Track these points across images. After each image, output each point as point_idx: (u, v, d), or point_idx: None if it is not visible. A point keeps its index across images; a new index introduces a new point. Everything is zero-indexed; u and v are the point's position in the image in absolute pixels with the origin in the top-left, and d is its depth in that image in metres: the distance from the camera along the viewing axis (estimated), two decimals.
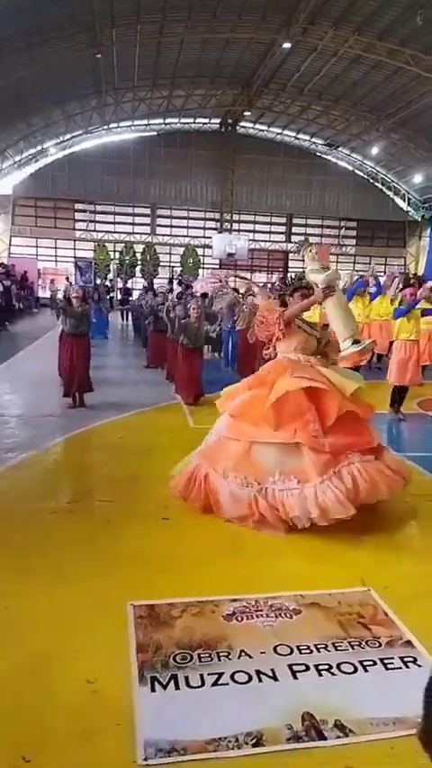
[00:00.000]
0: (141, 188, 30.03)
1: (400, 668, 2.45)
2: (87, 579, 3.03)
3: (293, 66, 22.65)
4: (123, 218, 30.99)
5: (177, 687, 2.28)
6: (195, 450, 4.17)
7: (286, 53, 20.95)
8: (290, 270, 32.89)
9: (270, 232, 32.56)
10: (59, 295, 8.80)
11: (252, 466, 3.72)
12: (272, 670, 2.40)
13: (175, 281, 28.57)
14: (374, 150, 27.99)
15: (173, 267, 30.73)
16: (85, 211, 30.49)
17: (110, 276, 28.49)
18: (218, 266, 31.70)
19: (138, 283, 28.54)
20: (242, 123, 29.59)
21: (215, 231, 31.03)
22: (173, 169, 30.06)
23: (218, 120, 29.37)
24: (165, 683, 2.29)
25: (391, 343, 7.76)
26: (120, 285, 27.13)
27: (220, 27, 19.24)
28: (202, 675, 2.34)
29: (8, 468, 4.76)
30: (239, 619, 2.75)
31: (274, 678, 2.36)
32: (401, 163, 29.15)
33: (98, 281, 25.72)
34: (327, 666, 2.44)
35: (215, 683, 2.31)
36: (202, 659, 2.45)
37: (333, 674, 2.41)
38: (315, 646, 2.56)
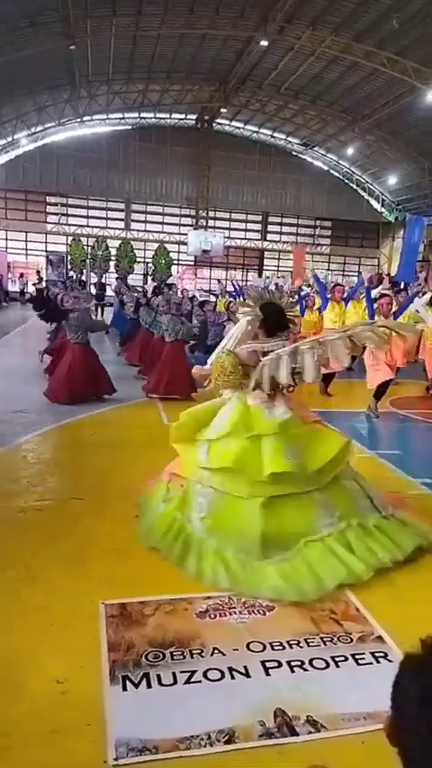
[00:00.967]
0: (115, 182, 29.77)
1: (371, 663, 2.47)
2: (57, 578, 2.98)
3: (270, 65, 22.73)
4: (97, 212, 30.70)
5: (149, 686, 2.26)
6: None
7: (263, 51, 21.00)
8: (265, 268, 33.08)
9: (246, 230, 32.66)
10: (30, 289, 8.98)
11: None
12: (244, 667, 2.40)
13: (149, 278, 28.46)
14: (350, 151, 28.29)
15: (147, 263, 30.57)
16: (57, 204, 30.09)
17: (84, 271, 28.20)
18: (193, 263, 31.68)
19: (111, 278, 28.33)
20: (218, 120, 29.58)
21: (191, 228, 30.96)
22: (148, 164, 29.86)
23: (194, 117, 29.30)
24: (136, 682, 2.27)
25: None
26: (93, 280, 26.86)
27: (197, 22, 19.17)
28: (174, 673, 2.33)
29: None
30: (212, 616, 2.74)
31: (247, 675, 2.36)
32: (376, 164, 29.54)
33: (72, 275, 25.38)
34: (299, 663, 2.45)
35: (187, 681, 2.29)
36: (175, 657, 2.43)
37: (305, 669, 2.42)
38: (287, 642, 2.57)
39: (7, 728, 2.00)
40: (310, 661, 2.47)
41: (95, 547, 3.35)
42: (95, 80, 23.73)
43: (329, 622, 2.73)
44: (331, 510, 3.28)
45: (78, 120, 27.19)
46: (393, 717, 0.86)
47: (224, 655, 2.47)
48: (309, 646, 2.56)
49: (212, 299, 16.31)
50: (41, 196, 29.72)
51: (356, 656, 2.49)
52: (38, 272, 28.26)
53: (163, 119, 29.28)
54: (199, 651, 2.48)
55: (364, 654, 2.52)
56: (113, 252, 29.69)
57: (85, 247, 29.46)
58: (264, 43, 19.91)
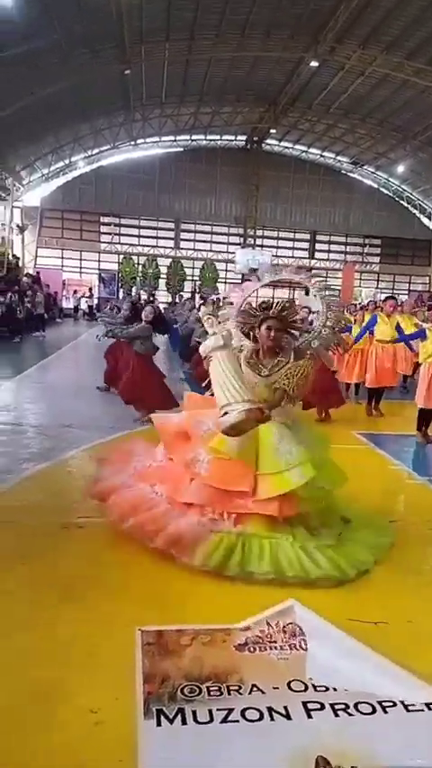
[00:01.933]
0: (166, 202, 30.39)
1: (422, 710, 2.29)
2: (95, 600, 2.93)
3: (320, 85, 22.80)
4: (148, 231, 31.37)
5: (184, 722, 2.15)
6: None
7: (313, 71, 21.10)
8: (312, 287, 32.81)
9: (293, 248, 32.61)
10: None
11: None
12: (285, 707, 2.26)
13: (197, 295, 28.71)
14: (400, 168, 27.94)
15: (195, 281, 30.92)
16: (110, 224, 30.92)
17: (134, 289, 28.76)
18: (240, 281, 31.84)
19: (161, 296, 28.75)
20: (268, 141, 29.81)
21: (238, 246, 31.16)
22: (198, 185, 30.38)
23: (244, 138, 29.66)
24: (171, 717, 2.17)
25: (418, 364, 7.69)
26: (144, 297, 27.33)
27: (249, 45, 19.47)
28: (210, 711, 2.21)
29: (21, 480, 4.71)
30: (252, 650, 2.62)
31: (288, 717, 2.22)
32: (428, 181, 29.05)
33: (121, 295, 25.96)
34: (343, 706, 2.30)
35: (224, 720, 2.17)
36: (212, 693, 2.32)
37: (350, 714, 2.26)
38: (331, 682, 2.42)
39: (38, 760, 1.94)
40: (356, 705, 2.31)
41: (134, 569, 3.29)
42: (149, 103, 24.39)
43: None
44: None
45: (132, 142, 27.99)
46: None
47: (263, 693, 2.34)
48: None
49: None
50: (96, 216, 30.64)
51: (406, 702, 2.32)
52: (90, 289, 29.01)
53: (213, 140, 29.78)
54: (237, 688, 2.36)
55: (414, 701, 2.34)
56: (163, 270, 30.20)
57: (136, 265, 30.10)
58: (314, 64, 20.01)
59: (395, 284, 33.46)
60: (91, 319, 23.62)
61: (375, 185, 31.73)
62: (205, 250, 31.77)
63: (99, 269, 31.12)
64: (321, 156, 30.72)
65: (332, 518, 3.64)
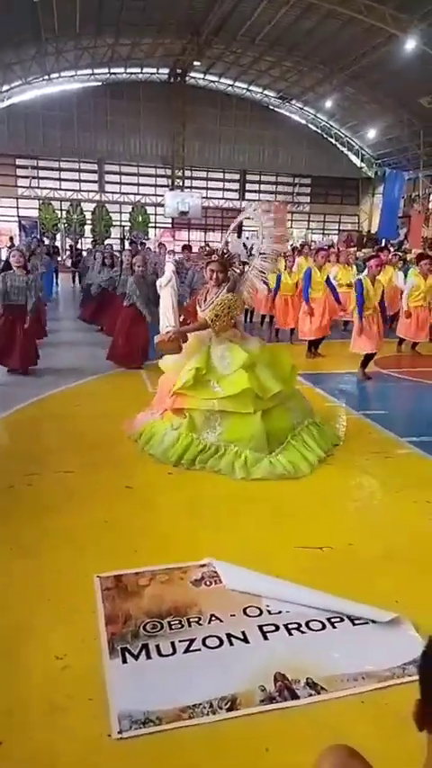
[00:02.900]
0: (87, 142, 28.78)
1: (367, 623, 2.50)
2: (51, 553, 2.96)
3: (245, 14, 21.81)
4: (69, 174, 29.76)
5: (149, 657, 2.26)
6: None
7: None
8: (244, 228, 32.56)
9: (224, 189, 31.99)
10: None
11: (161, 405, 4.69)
12: (242, 632, 2.41)
13: (126, 242, 27.85)
14: (328, 104, 27.58)
15: (123, 226, 29.89)
16: (27, 167, 29.08)
17: (58, 236, 27.47)
18: (170, 225, 31.06)
19: (87, 244, 27.69)
20: (192, 74, 28.54)
21: (166, 188, 30.21)
22: (120, 122, 28.89)
23: (166, 71, 28.23)
24: (136, 654, 2.27)
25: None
26: (68, 245, 26.24)
27: None
28: (173, 643, 2.33)
29: None
30: (208, 583, 2.75)
31: (245, 640, 2.37)
32: (355, 117, 28.91)
33: (45, 240, 24.76)
34: (296, 625, 2.47)
35: (187, 650, 2.30)
36: (173, 626, 2.44)
37: (302, 632, 2.44)
38: (283, 605, 2.58)
39: (9, 706, 1.99)
40: (307, 623, 2.49)
41: (87, 519, 3.33)
42: (62, 35, 22.62)
43: None
44: (296, 413, 4.56)
45: (46, 77, 26.03)
46: (421, 701, 0.83)
47: (221, 621, 2.48)
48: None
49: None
50: (11, 159, 28.66)
51: (352, 617, 2.52)
52: (11, 238, 27.52)
53: (134, 74, 28.20)
54: (196, 619, 2.49)
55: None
56: (88, 216, 28.94)
57: (58, 211, 28.68)
58: None
59: (325, 224, 33.66)
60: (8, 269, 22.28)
61: (303, 122, 31.27)
62: (132, 193, 30.59)
63: (18, 216, 29.42)
64: (248, 90, 29.79)
65: (248, 430, 4.25)
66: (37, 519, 3.32)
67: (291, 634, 2.43)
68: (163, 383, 4.71)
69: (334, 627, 2.48)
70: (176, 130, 29.24)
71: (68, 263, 22.22)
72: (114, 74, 27.88)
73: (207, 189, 31.44)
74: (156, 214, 30.55)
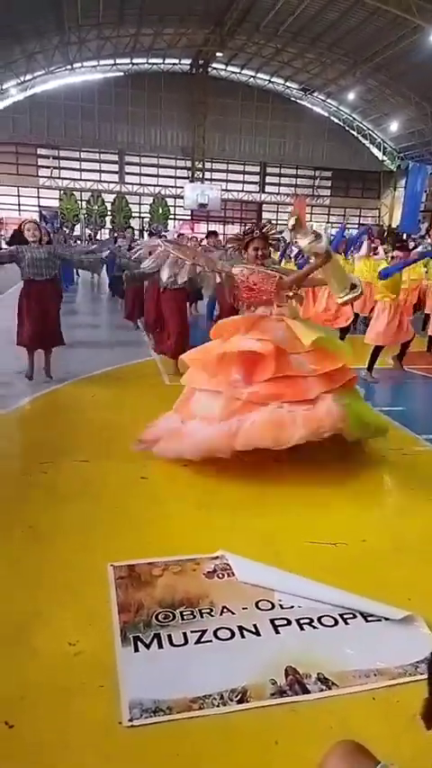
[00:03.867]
0: (108, 133, 28.84)
1: (379, 620, 2.48)
2: (65, 541, 2.98)
3: (268, 4, 21.67)
4: (90, 164, 29.85)
5: (161, 646, 2.27)
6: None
7: None
8: (263, 221, 32.37)
9: (243, 182, 31.83)
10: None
11: (186, 409, 4.04)
12: (254, 625, 2.41)
13: (146, 233, 27.87)
14: (350, 96, 27.28)
15: (143, 218, 29.90)
16: (48, 157, 29.22)
17: (77, 227, 27.58)
18: (189, 217, 31.01)
19: (106, 235, 27.76)
20: (214, 65, 28.40)
21: (186, 180, 30.16)
22: (141, 113, 28.90)
23: (188, 61, 28.12)
24: (148, 643, 2.28)
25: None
26: (87, 235, 26.31)
27: None
28: (185, 633, 2.34)
29: None
30: (221, 576, 2.75)
31: (257, 633, 2.37)
32: (378, 110, 28.56)
33: (66, 230, 24.88)
34: (308, 620, 2.47)
35: (198, 641, 2.31)
36: (185, 617, 2.44)
37: (314, 627, 2.43)
38: (296, 600, 2.58)
39: (22, 690, 2.01)
40: (319, 618, 2.48)
41: (102, 509, 3.35)
42: (85, 24, 22.65)
43: None
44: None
45: (69, 67, 26.08)
46: (430, 700, 0.83)
47: (233, 614, 2.48)
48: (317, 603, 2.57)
49: None
50: (32, 148, 28.84)
51: (365, 614, 2.51)
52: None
53: (156, 64, 28.13)
54: (208, 611, 2.49)
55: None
56: (109, 207, 28.99)
57: (78, 202, 28.75)
58: None
59: (345, 218, 33.36)
60: None
61: (326, 114, 30.95)
62: (152, 185, 30.59)
63: (39, 206, 29.58)
64: (270, 81, 29.56)
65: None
66: (51, 507, 3.35)
67: (302, 629, 2.42)
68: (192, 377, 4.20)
69: (346, 623, 2.47)
70: (197, 122, 29.16)
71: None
72: (136, 64, 27.83)
73: (227, 181, 31.32)
74: (175, 206, 30.51)
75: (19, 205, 29.71)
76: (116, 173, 30.23)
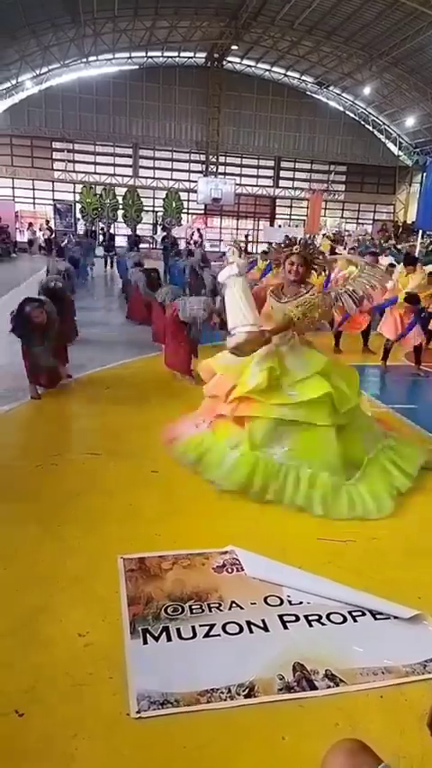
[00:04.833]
0: (122, 126, 28.78)
1: (388, 618, 2.48)
2: (76, 533, 3.00)
3: None
4: (104, 158, 29.81)
5: (169, 639, 2.29)
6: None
7: None
8: (277, 216, 32.26)
9: (257, 176, 31.66)
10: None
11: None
12: (262, 621, 2.42)
13: (158, 227, 27.87)
14: (366, 90, 26.99)
15: (156, 212, 29.85)
16: (63, 150, 29.22)
17: (97, 221, 27.60)
18: (203, 211, 30.92)
19: (120, 229, 27.77)
20: (229, 58, 28.23)
21: (200, 174, 30.05)
22: (156, 106, 28.79)
23: (203, 55, 27.96)
24: (156, 636, 2.30)
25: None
26: (101, 229, 26.34)
27: None
28: (193, 627, 2.35)
29: None
30: (230, 570, 2.76)
31: (265, 629, 2.38)
32: (394, 105, 28.23)
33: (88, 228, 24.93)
34: (316, 617, 2.47)
35: (207, 635, 2.32)
36: (194, 611, 2.46)
37: (323, 624, 2.44)
38: (305, 596, 2.58)
39: (31, 680, 2.04)
40: (328, 615, 2.48)
41: (113, 502, 3.37)
42: (100, 17, 22.58)
43: None
44: (368, 434, 3.94)
45: (84, 60, 26.04)
46: None
47: (242, 608, 2.49)
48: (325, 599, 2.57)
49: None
50: (47, 141, 28.85)
51: (374, 612, 2.51)
52: (47, 221, 27.77)
53: (171, 57, 28.00)
54: (217, 605, 2.50)
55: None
56: (121, 201, 28.95)
57: (96, 195, 28.73)
58: None
59: (360, 213, 33.10)
60: (48, 253, 22.53)
61: (341, 108, 30.66)
62: (166, 179, 30.54)
63: (54, 199, 29.64)
64: (285, 75, 29.32)
65: (326, 451, 3.67)
66: (63, 499, 3.37)
67: (311, 625, 2.43)
68: (216, 387, 4.02)
69: (355, 620, 2.47)
70: (212, 115, 29.01)
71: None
72: (151, 57, 27.72)
73: (241, 176, 31.16)
74: (189, 200, 30.42)
75: (34, 198, 29.79)
76: (130, 166, 30.19)
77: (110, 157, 29.87)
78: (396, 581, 2.73)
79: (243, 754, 1.82)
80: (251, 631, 2.36)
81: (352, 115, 30.74)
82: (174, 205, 29.52)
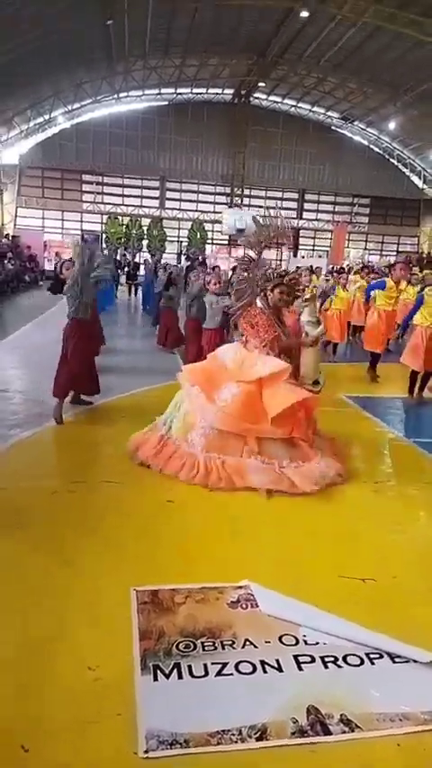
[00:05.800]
0: (150, 159, 29.56)
1: (407, 662, 2.39)
2: (90, 562, 2.98)
3: (310, 36, 22.00)
4: (132, 190, 30.58)
5: (180, 676, 2.23)
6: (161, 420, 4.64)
7: (303, 22, 20.34)
8: (300, 247, 32.53)
9: (282, 208, 32.08)
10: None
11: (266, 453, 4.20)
12: (277, 661, 2.35)
13: (183, 257, 28.28)
14: (391, 125, 27.35)
15: (181, 242, 30.37)
16: (92, 183, 30.08)
17: (120, 250, 28.20)
18: (227, 242, 31.36)
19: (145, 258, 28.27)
20: (256, 94, 28.94)
21: (225, 206, 30.58)
22: (183, 141, 29.56)
23: (231, 91, 28.73)
24: (167, 672, 2.25)
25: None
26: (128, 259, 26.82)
27: None
28: (205, 665, 2.30)
29: (10, 446, 4.70)
30: (244, 606, 2.70)
31: (279, 669, 2.31)
32: (418, 139, 28.50)
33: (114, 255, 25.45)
34: (333, 658, 2.39)
35: (219, 673, 2.26)
36: (206, 648, 2.40)
37: (339, 666, 2.36)
38: (321, 636, 2.51)
39: (39, 713, 2.01)
40: (344, 657, 2.41)
41: (127, 531, 3.35)
42: (132, 55, 23.41)
43: None
44: None
45: (115, 96, 26.95)
46: None
47: (256, 647, 2.43)
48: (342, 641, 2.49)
49: None
50: (77, 174, 29.76)
51: (392, 655, 2.42)
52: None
53: (199, 94, 28.82)
54: (230, 642, 2.44)
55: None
56: (145, 231, 29.55)
57: (122, 225, 29.40)
58: (304, 14, 19.29)
59: (384, 245, 33.21)
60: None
61: (365, 142, 31.09)
62: (191, 210, 31.14)
63: (82, 230, 30.41)
64: (311, 111, 29.93)
65: None
66: (78, 527, 3.37)
67: (327, 667, 2.35)
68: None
69: (372, 663, 2.38)
70: (237, 149, 29.65)
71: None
72: (180, 94, 28.57)
73: (265, 207, 31.59)
74: (213, 231, 30.91)
75: (62, 228, 30.60)
76: (157, 198, 30.91)
77: (137, 189, 30.63)
78: (416, 623, 2.64)
79: None
80: (265, 671, 2.29)
81: (376, 149, 31.12)
82: (198, 236, 30.00)
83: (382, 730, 2.03)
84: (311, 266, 15.85)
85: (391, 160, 31.11)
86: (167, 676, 2.23)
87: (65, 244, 29.65)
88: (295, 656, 2.38)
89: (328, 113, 29.86)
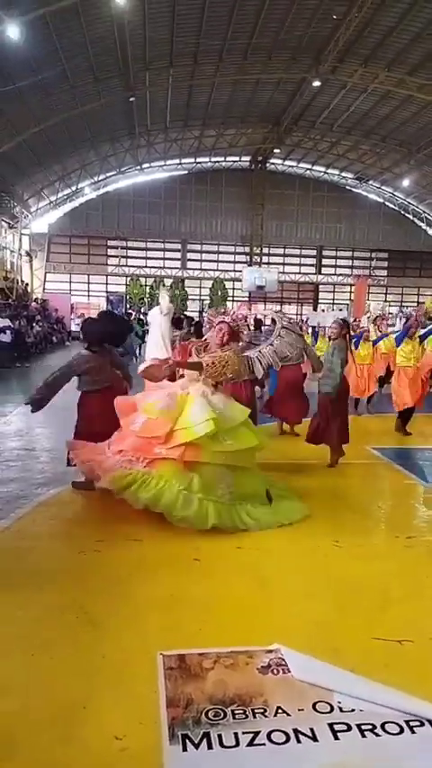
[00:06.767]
0: (172, 224, 30.72)
1: None
2: (116, 625, 2.92)
3: (323, 103, 23.07)
4: (155, 253, 31.68)
5: (210, 746, 2.13)
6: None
7: (316, 91, 21.38)
8: (320, 301, 32.94)
9: (300, 264, 32.75)
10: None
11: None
12: (311, 729, 2.23)
13: (204, 315, 28.77)
14: (405, 182, 28.08)
15: (203, 300, 31.07)
16: (117, 247, 31.27)
17: (144, 309, 28.96)
18: (247, 299, 31.96)
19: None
20: (272, 160, 30.16)
21: (245, 264, 31.36)
22: (203, 206, 30.73)
23: (248, 158, 30.01)
24: (197, 742, 2.14)
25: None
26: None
27: (251, 68, 19.80)
28: (236, 734, 2.19)
29: (36, 505, 4.71)
30: (275, 672, 2.59)
31: (314, 738, 2.19)
32: None
33: (132, 313, 26.14)
34: (370, 726, 2.26)
35: (251, 743, 2.15)
36: (237, 716, 2.29)
37: (377, 734, 2.23)
38: (356, 703, 2.38)
39: None
40: (383, 725, 2.27)
41: (154, 591, 3.28)
42: (154, 129, 24.79)
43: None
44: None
45: (138, 167, 28.40)
46: None
47: (289, 715, 2.31)
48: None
49: None
50: (103, 240, 31.02)
51: None
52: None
53: (218, 162, 30.16)
54: (262, 710, 2.33)
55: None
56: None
57: (143, 286, 30.35)
58: (316, 83, 20.28)
59: (403, 296, 33.43)
60: None
61: (381, 200, 31.89)
62: (212, 270, 32.00)
63: (107, 291, 31.41)
64: (325, 173, 30.99)
65: (253, 486, 4.45)
66: (104, 587, 3.31)
67: (364, 736, 2.22)
68: (152, 429, 4.30)
69: (413, 731, 2.25)
70: (255, 211, 30.66)
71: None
72: (200, 162, 29.94)
73: (284, 264, 32.32)
74: (234, 288, 31.61)
75: (88, 291, 31.65)
76: (179, 259, 31.93)
77: (160, 252, 31.71)
78: None
79: None
80: (299, 741, 2.17)
81: (392, 206, 31.83)
82: (219, 293, 30.69)
83: None
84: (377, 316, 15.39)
85: (407, 215, 31.74)
86: (197, 746, 2.12)
87: (90, 305, 30.59)
88: (330, 725, 2.26)
89: (343, 174, 30.85)
